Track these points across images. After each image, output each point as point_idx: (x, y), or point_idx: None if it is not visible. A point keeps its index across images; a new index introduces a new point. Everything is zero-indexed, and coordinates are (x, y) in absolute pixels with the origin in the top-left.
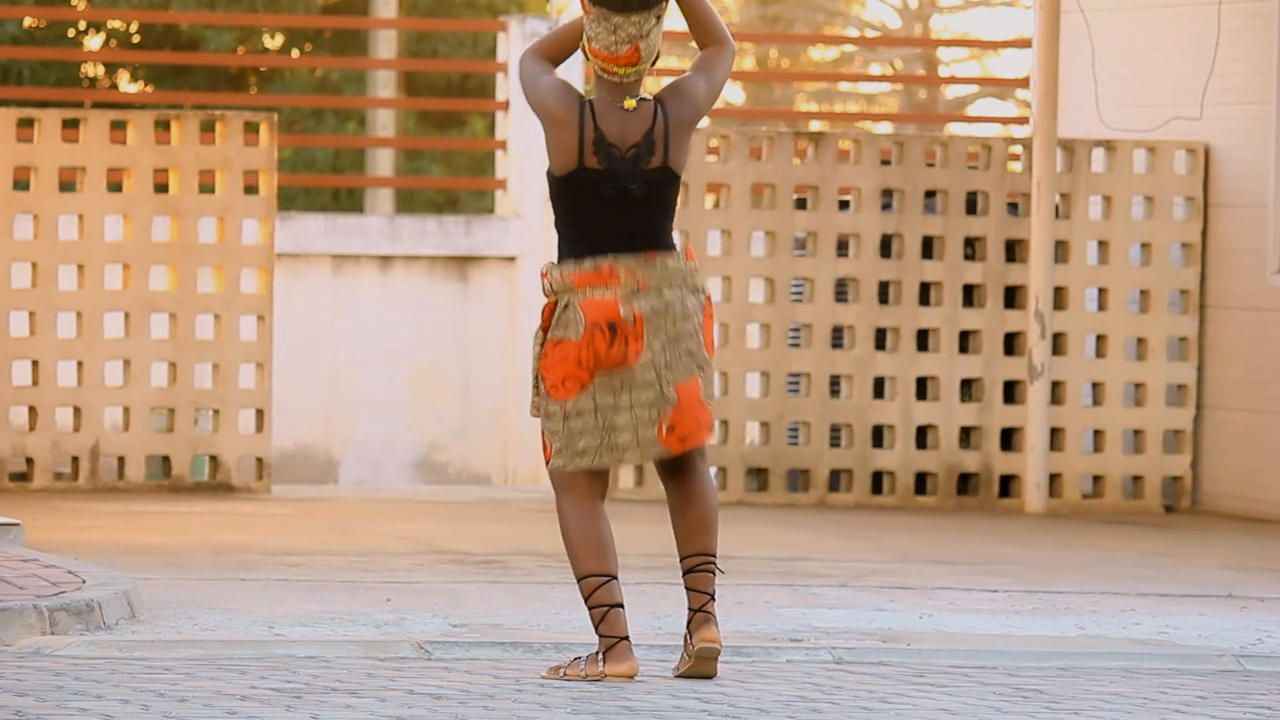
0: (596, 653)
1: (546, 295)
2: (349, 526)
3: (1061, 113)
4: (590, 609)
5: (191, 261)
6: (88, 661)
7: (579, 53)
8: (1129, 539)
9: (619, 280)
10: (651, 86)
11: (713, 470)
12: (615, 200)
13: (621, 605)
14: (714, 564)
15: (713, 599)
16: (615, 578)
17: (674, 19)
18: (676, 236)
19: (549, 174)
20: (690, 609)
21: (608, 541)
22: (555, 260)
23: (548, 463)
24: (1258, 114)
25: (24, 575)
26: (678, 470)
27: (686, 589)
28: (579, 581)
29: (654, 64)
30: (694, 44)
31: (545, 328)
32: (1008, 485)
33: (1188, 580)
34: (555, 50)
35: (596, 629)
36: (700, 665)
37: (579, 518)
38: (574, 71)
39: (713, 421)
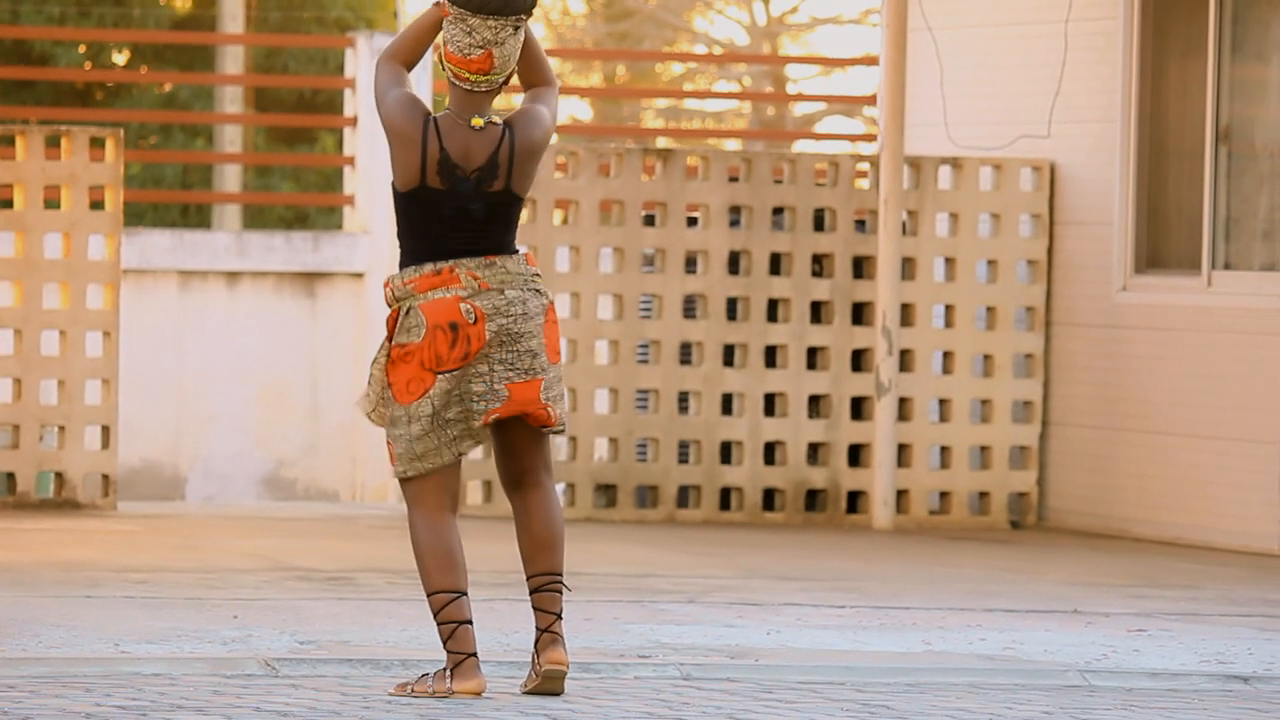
0: (444, 669)
1: (389, 304)
2: (196, 543)
3: (910, 130)
4: (439, 625)
5: (37, 277)
6: None
7: (428, 68)
8: (975, 555)
9: (459, 281)
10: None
11: (561, 486)
12: (455, 218)
13: (470, 622)
14: (560, 583)
15: (560, 618)
16: (465, 594)
17: None
18: (520, 247)
19: (392, 186)
20: (537, 629)
21: (458, 556)
22: (398, 271)
23: (393, 469)
24: (1102, 132)
25: None
26: (523, 487)
27: (534, 608)
28: (429, 597)
29: (506, 81)
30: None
31: (389, 337)
32: (855, 501)
33: (1034, 596)
34: (409, 50)
35: (445, 645)
36: (547, 684)
37: (430, 531)
38: (422, 86)
39: (550, 419)
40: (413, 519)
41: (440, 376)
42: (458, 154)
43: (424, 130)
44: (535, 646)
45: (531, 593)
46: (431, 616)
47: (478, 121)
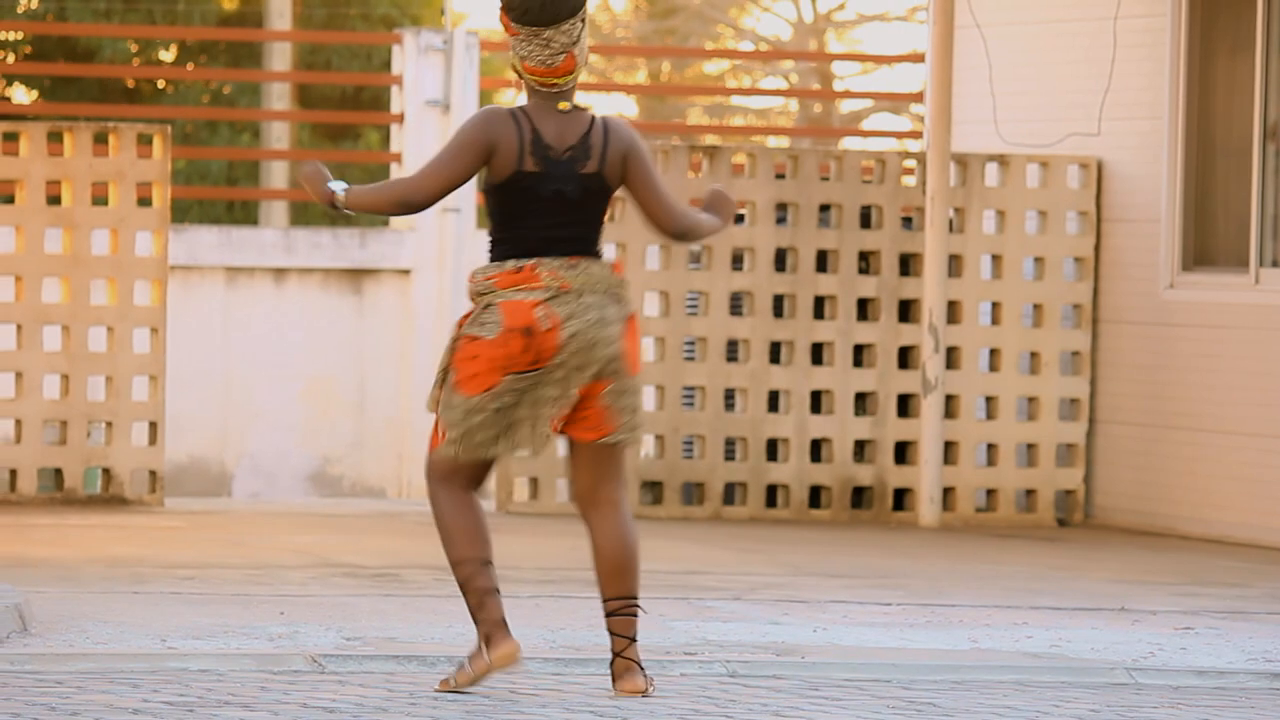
0: (478, 646)
1: (472, 300)
2: (242, 540)
3: (958, 127)
4: (466, 595)
5: (84, 274)
6: None
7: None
8: (1022, 552)
9: (540, 281)
10: None
11: None
12: (551, 202)
13: (498, 590)
14: (636, 606)
15: (634, 642)
16: (490, 563)
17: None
18: (608, 250)
19: (485, 190)
20: (613, 652)
21: (483, 527)
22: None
23: (432, 450)
24: (1150, 129)
25: None
26: (596, 504)
27: (609, 632)
28: (454, 567)
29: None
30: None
31: (460, 326)
32: (901, 499)
33: (1080, 593)
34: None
35: (474, 616)
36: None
37: (453, 505)
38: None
39: (618, 425)
40: (436, 494)
41: (508, 375)
42: (550, 135)
43: (513, 118)
44: (611, 669)
45: (607, 616)
46: (458, 587)
47: (564, 105)
